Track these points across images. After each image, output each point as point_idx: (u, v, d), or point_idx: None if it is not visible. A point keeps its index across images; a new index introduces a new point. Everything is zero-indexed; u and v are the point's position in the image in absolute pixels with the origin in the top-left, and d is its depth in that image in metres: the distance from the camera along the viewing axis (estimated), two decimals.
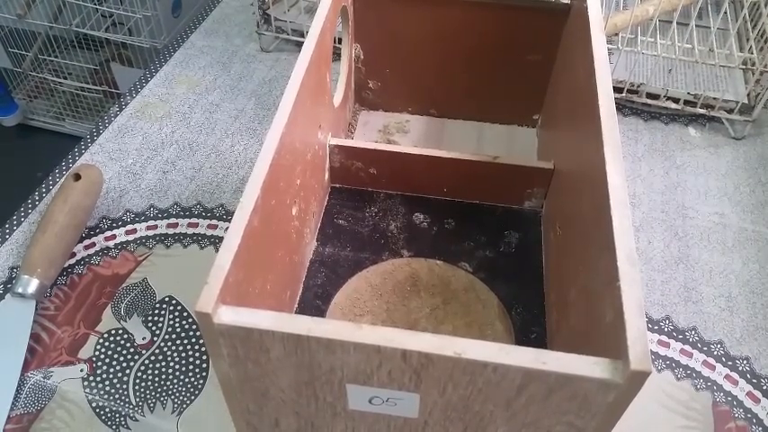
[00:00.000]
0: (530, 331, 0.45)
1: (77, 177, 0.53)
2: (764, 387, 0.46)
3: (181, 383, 0.45)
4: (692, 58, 0.65)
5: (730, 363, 0.47)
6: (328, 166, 0.53)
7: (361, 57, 0.60)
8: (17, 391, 0.44)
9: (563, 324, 0.40)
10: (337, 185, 0.55)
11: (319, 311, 0.46)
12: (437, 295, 0.47)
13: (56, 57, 1.37)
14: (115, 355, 0.46)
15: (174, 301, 0.50)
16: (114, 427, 0.43)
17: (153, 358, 0.46)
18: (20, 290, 0.47)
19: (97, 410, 0.43)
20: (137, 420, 0.43)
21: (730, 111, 0.64)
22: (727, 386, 0.46)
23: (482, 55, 0.58)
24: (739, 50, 0.68)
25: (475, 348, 0.26)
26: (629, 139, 0.64)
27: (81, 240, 0.53)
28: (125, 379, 0.45)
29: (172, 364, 0.46)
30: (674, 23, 0.63)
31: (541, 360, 0.26)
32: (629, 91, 0.65)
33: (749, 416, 0.45)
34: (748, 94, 0.65)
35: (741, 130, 0.65)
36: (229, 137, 0.63)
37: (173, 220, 0.55)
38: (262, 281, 0.35)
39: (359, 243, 0.51)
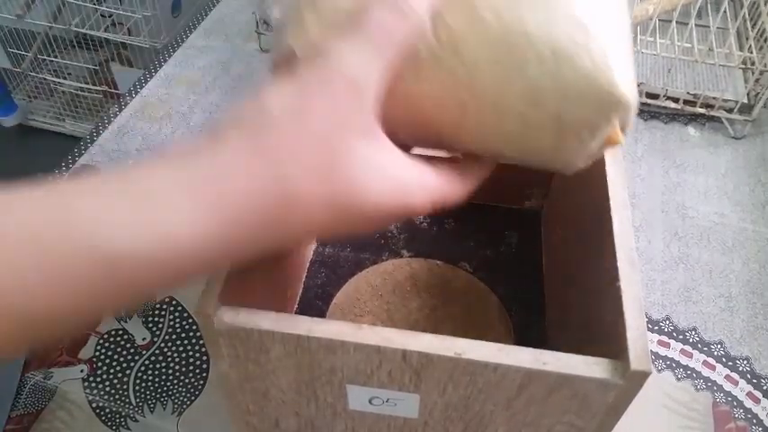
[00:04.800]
0: (530, 331, 0.45)
1: None
2: (765, 387, 0.46)
3: (181, 384, 0.45)
4: (692, 58, 0.65)
5: (730, 363, 0.47)
6: None
7: None
8: (17, 391, 0.44)
9: (563, 324, 0.40)
10: None
11: (319, 312, 0.46)
12: (437, 295, 0.47)
13: (55, 57, 1.36)
14: (115, 356, 0.46)
15: (174, 302, 0.50)
16: (114, 427, 0.43)
17: (153, 359, 0.46)
18: None
19: (97, 411, 0.43)
20: (137, 421, 0.43)
21: (730, 110, 0.64)
22: (728, 386, 0.46)
23: None
24: (739, 50, 0.68)
25: (475, 349, 0.26)
26: (629, 139, 0.64)
27: None
28: (125, 379, 0.45)
29: (172, 364, 0.46)
30: (674, 23, 0.63)
31: (541, 360, 0.26)
32: None
33: (749, 416, 0.45)
34: (748, 94, 0.65)
35: (741, 130, 0.65)
36: None
37: None
38: (262, 281, 0.35)
39: (359, 243, 0.50)
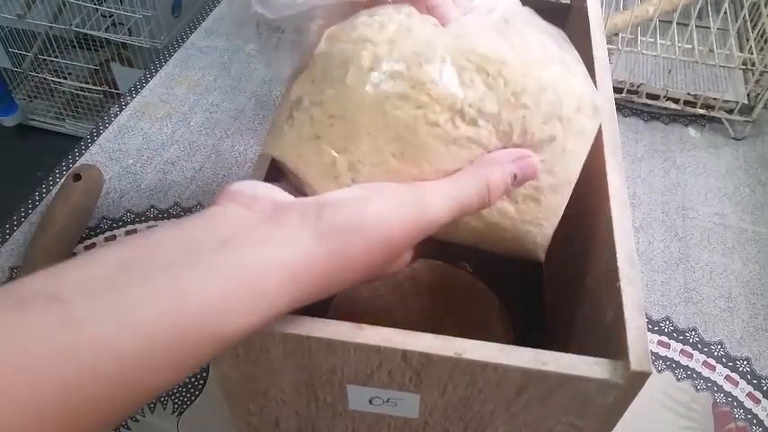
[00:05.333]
0: (530, 332, 0.45)
1: (78, 177, 0.53)
2: (765, 388, 0.46)
3: (181, 384, 0.45)
4: (692, 59, 0.65)
5: (731, 363, 0.47)
6: None
7: None
8: None
9: (563, 324, 0.40)
10: None
11: (319, 312, 0.46)
12: (437, 296, 0.47)
13: (56, 57, 1.36)
14: None
15: None
16: (114, 427, 0.43)
17: None
18: None
19: None
20: (137, 421, 0.43)
21: (730, 111, 0.64)
22: (728, 387, 0.46)
23: None
24: (739, 51, 0.68)
25: (475, 349, 0.26)
26: (630, 140, 0.64)
27: (81, 241, 0.53)
28: None
29: None
30: (674, 24, 0.63)
31: (541, 360, 0.26)
32: (629, 91, 0.65)
33: (749, 416, 0.45)
34: (748, 95, 0.65)
35: (741, 131, 0.64)
36: (229, 137, 0.63)
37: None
38: None
39: None
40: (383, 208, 0.25)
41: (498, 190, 0.28)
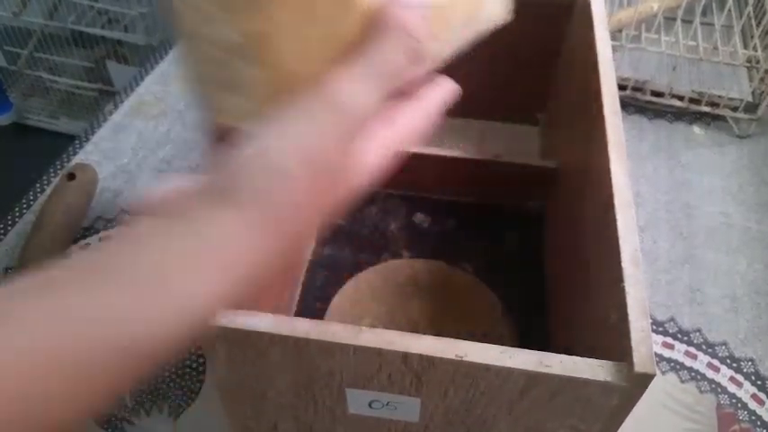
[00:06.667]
0: (532, 333, 0.45)
1: (72, 177, 0.52)
2: None
3: (177, 387, 0.44)
4: (697, 56, 0.64)
5: (735, 364, 0.47)
6: None
7: None
8: None
9: (566, 326, 0.40)
10: None
11: (318, 314, 0.45)
12: (438, 297, 0.46)
13: (51, 55, 1.36)
14: None
15: None
16: (111, 430, 0.42)
17: None
18: None
19: None
20: (133, 424, 0.42)
21: (735, 109, 0.63)
22: (732, 388, 0.46)
23: (484, 52, 0.57)
24: (743, 48, 0.67)
25: (477, 351, 0.25)
26: (634, 138, 0.63)
27: (76, 241, 0.53)
28: None
29: (168, 367, 0.45)
30: (679, 20, 0.63)
31: (544, 363, 0.25)
32: (633, 88, 0.65)
33: (753, 418, 0.44)
34: (753, 92, 0.64)
35: (746, 129, 0.64)
36: None
37: None
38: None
39: (358, 244, 0.50)
40: (291, 130, 0.21)
41: (420, 30, 0.22)
